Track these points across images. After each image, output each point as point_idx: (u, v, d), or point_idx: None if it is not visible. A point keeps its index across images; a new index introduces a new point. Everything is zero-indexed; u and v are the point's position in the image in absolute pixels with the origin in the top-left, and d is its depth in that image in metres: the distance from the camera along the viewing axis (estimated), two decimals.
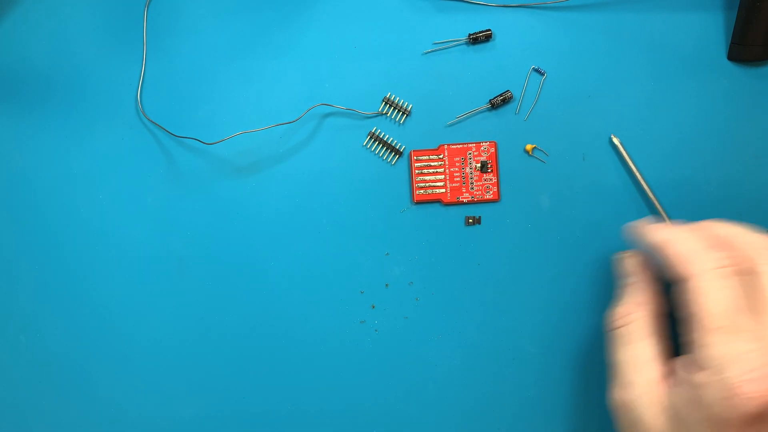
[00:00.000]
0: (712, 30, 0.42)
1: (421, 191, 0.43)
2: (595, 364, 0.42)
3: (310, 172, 0.43)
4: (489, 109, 0.43)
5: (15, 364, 0.44)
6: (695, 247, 0.32)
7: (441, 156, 0.43)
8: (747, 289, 0.31)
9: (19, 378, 0.44)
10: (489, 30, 0.43)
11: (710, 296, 0.30)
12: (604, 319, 0.36)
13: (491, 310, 0.43)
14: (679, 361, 0.32)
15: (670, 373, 0.33)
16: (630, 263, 0.38)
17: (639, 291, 0.36)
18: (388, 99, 0.43)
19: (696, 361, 0.30)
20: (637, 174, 0.42)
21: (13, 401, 0.44)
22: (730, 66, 0.42)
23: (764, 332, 0.30)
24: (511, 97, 0.43)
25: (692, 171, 0.42)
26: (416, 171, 0.43)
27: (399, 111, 0.43)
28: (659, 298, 0.36)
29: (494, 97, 0.43)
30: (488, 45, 0.43)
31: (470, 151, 0.43)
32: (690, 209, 0.42)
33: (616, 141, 0.42)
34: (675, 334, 0.36)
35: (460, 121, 0.43)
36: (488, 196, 0.43)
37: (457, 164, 0.43)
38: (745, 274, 0.31)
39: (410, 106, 0.43)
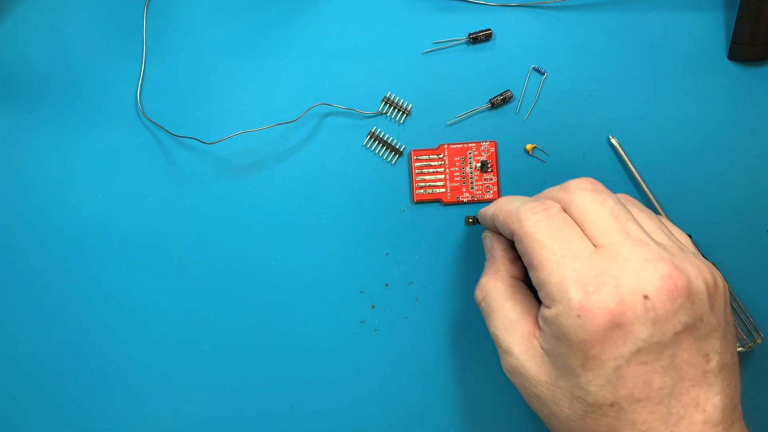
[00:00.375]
0: (712, 29, 0.42)
1: (421, 191, 0.43)
2: None
3: (310, 171, 0.43)
4: (489, 109, 0.43)
5: (14, 364, 0.44)
6: (517, 205, 0.34)
7: (441, 156, 0.43)
8: (567, 221, 0.33)
9: (18, 378, 0.44)
10: (489, 29, 0.43)
11: (535, 235, 0.32)
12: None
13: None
14: (540, 310, 0.33)
15: (537, 324, 0.34)
16: (486, 241, 0.39)
17: (493, 262, 0.38)
18: (388, 98, 0.43)
19: (545, 301, 0.32)
20: (636, 174, 0.42)
21: (13, 401, 0.44)
22: (731, 66, 0.42)
23: (587, 249, 0.31)
24: (511, 97, 0.43)
25: (692, 171, 0.42)
26: (416, 171, 0.43)
27: (399, 110, 0.43)
28: (514, 264, 0.38)
29: (494, 97, 0.43)
30: (488, 44, 0.43)
31: (470, 151, 0.43)
32: (690, 209, 0.42)
33: (614, 142, 0.42)
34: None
35: (460, 121, 0.43)
36: (488, 196, 0.43)
37: (457, 164, 0.43)
38: (563, 212, 0.33)
39: (410, 105, 0.43)
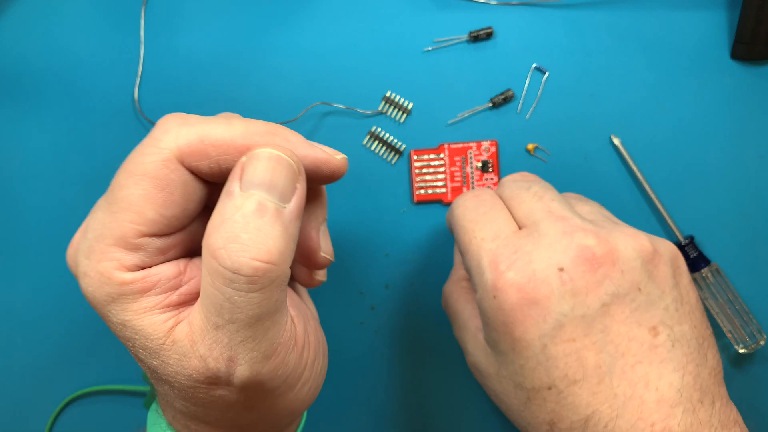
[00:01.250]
0: (715, 28, 0.42)
1: (422, 191, 0.43)
2: None
3: None
4: (490, 108, 0.43)
5: (13, 364, 0.44)
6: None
7: (441, 155, 0.43)
8: (494, 205, 0.32)
9: (17, 378, 0.44)
10: (490, 28, 0.42)
11: (461, 220, 0.32)
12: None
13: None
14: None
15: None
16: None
17: (453, 268, 0.38)
18: (388, 97, 0.43)
19: (473, 287, 0.31)
20: (639, 174, 0.42)
21: (13, 402, 0.44)
22: (734, 65, 0.42)
23: (508, 230, 0.31)
24: (512, 96, 0.42)
25: (695, 171, 0.42)
26: (416, 170, 0.43)
27: (399, 110, 0.43)
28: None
29: (495, 96, 0.42)
30: (489, 43, 0.43)
31: (471, 151, 0.43)
32: (692, 209, 0.42)
33: (616, 141, 0.42)
34: None
35: (460, 120, 0.43)
36: None
37: (457, 164, 0.43)
38: (495, 197, 0.33)
39: (410, 104, 0.43)
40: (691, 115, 0.42)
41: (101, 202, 0.25)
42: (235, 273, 0.22)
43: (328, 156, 0.26)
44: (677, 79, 0.42)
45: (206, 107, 0.43)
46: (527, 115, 0.42)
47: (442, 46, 0.43)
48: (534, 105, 0.42)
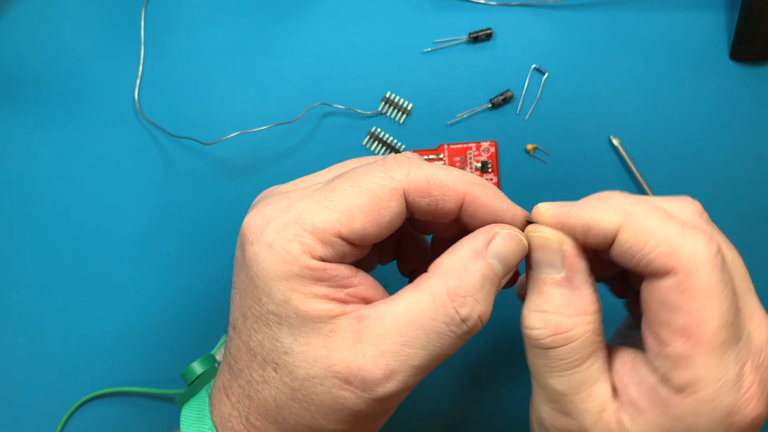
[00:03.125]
0: (714, 29, 0.42)
1: None
2: None
3: (309, 172, 0.43)
4: (489, 109, 0.43)
5: (13, 364, 0.44)
6: (672, 227, 0.25)
7: (441, 156, 0.43)
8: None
9: (17, 379, 0.44)
10: (489, 29, 0.42)
11: (713, 299, 0.24)
12: (522, 326, 0.28)
13: (492, 311, 0.42)
14: (627, 376, 0.26)
15: (615, 389, 0.27)
16: (555, 254, 0.27)
17: (577, 293, 0.27)
18: (388, 98, 0.43)
19: (671, 382, 0.25)
20: (638, 174, 0.42)
21: (12, 402, 0.44)
22: (733, 65, 0.42)
23: (750, 341, 0.25)
24: (511, 97, 0.42)
25: (694, 171, 0.42)
26: None
27: (399, 110, 0.43)
28: (598, 301, 0.28)
29: (495, 97, 0.42)
30: (489, 44, 0.43)
31: (470, 151, 0.43)
32: None
33: (615, 142, 0.42)
34: None
35: (460, 121, 0.43)
36: None
37: (457, 164, 0.43)
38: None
39: (410, 105, 0.43)
40: (690, 115, 0.42)
41: (314, 195, 0.27)
42: (463, 322, 0.26)
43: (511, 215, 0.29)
44: (676, 80, 0.42)
45: (206, 107, 0.43)
46: (527, 116, 0.43)
47: (442, 47, 0.43)
48: (533, 105, 0.42)
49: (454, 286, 0.26)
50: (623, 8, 0.42)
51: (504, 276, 0.28)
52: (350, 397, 0.26)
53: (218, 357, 0.38)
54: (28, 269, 0.44)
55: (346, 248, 0.27)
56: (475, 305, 0.26)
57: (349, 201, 0.26)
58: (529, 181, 0.42)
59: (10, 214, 0.44)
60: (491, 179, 0.42)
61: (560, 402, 0.27)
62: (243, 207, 0.43)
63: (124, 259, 0.43)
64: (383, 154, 0.43)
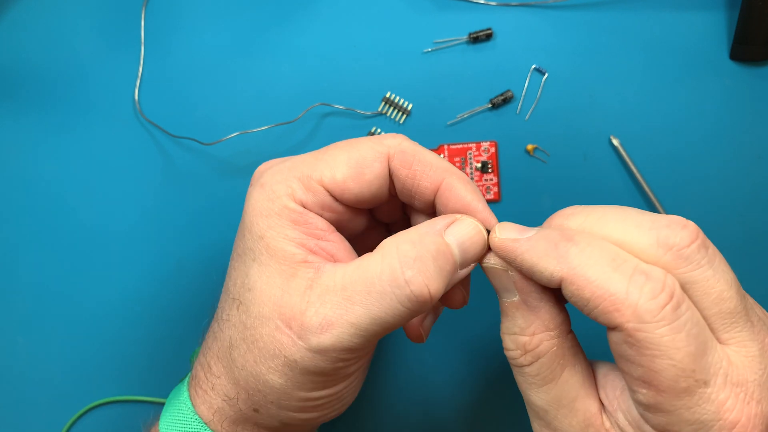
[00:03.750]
0: (714, 29, 0.42)
1: None
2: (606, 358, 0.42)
3: None
4: (489, 109, 0.43)
5: (13, 364, 0.44)
6: (617, 280, 0.23)
7: (441, 156, 0.43)
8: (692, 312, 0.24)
9: (17, 379, 0.44)
10: (490, 29, 0.42)
11: (663, 352, 0.23)
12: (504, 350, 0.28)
13: (492, 311, 0.42)
14: (616, 402, 0.26)
15: (603, 404, 0.27)
16: (505, 278, 0.27)
17: (538, 311, 0.27)
18: (388, 98, 0.43)
19: (650, 422, 0.24)
20: (638, 175, 0.42)
21: (13, 401, 0.44)
22: (733, 66, 0.42)
23: (731, 375, 0.24)
24: (511, 97, 0.42)
25: (694, 171, 0.42)
26: None
27: (399, 110, 0.43)
28: (563, 312, 0.27)
29: (495, 97, 0.42)
30: (489, 44, 0.43)
31: (470, 151, 0.43)
32: (691, 209, 0.42)
33: (615, 142, 0.42)
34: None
35: (460, 121, 0.43)
36: (489, 197, 0.43)
37: (457, 164, 0.43)
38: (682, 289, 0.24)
39: (410, 105, 0.43)
40: (690, 115, 0.42)
41: (312, 153, 0.30)
42: (407, 284, 0.26)
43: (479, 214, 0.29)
44: (676, 80, 0.42)
45: (206, 107, 0.43)
46: (527, 116, 0.43)
47: (442, 47, 0.43)
48: (533, 106, 0.42)
49: (405, 249, 0.27)
50: (623, 8, 0.42)
51: (462, 264, 0.28)
52: (287, 341, 0.27)
53: None
54: (28, 269, 0.44)
55: (327, 198, 0.29)
56: (424, 271, 0.26)
57: (337, 156, 0.29)
58: (529, 181, 0.42)
59: (10, 214, 0.44)
60: (491, 179, 0.42)
61: (545, 418, 0.27)
62: (242, 207, 0.43)
63: (124, 258, 0.43)
64: None
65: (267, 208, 0.28)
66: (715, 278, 0.24)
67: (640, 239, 0.24)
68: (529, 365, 0.27)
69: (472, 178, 0.43)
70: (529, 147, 0.42)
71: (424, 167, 0.29)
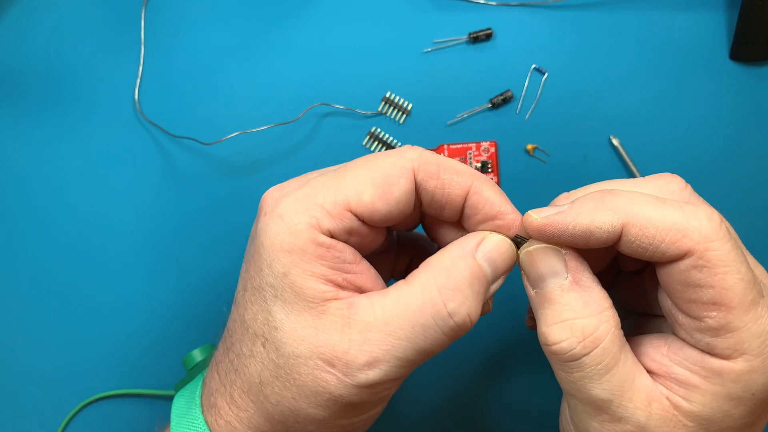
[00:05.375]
0: (714, 29, 0.42)
1: None
2: None
3: (309, 172, 0.43)
4: (489, 109, 0.43)
5: (13, 364, 0.44)
6: (673, 212, 0.25)
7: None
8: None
9: (17, 379, 0.44)
10: (489, 29, 0.42)
11: (731, 267, 0.24)
12: (546, 345, 0.26)
13: (492, 311, 0.42)
14: (666, 359, 0.26)
15: (659, 374, 0.26)
16: (555, 261, 0.27)
17: (589, 296, 0.26)
18: (388, 98, 0.43)
19: (723, 350, 0.25)
20: (638, 174, 0.42)
21: (13, 402, 0.44)
22: (733, 65, 0.42)
23: (764, 279, 0.26)
24: (511, 97, 0.42)
25: (694, 171, 0.42)
26: None
27: (399, 110, 0.43)
28: (609, 297, 0.27)
29: (495, 97, 0.42)
30: (489, 44, 0.43)
31: (470, 151, 0.43)
32: None
33: (615, 142, 0.42)
34: None
35: (460, 121, 0.43)
36: None
37: None
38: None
39: (410, 105, 0.43)
40: (690, 115, 0.42)
41: (329, 173, 0.28)
42: (450, 316, 0.26)
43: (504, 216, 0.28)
44: (676, 80, 0.42)
45: (206, 107, 0.43)
46: (526, 116, 0.43)
47: (442, 47, 0.43)
48: (533, 106, 0.42)
49: (443, 280, 0.26)
50: (623, 8, 0.42)
51: (493, 280, 0.28)
52: (332, 380, 0.26)
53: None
54: (28, 269, 0.44)
55: (355, 223, 0.27)
56: (464, 301, 0.26)
57: (360, 176, 0.27)
58: (529, 181, 0.42)
59: (9, 214, 0.44)
60: (491, 179, 0.42)
61: (609, 410, 0.26)
62: (243, 207, 0.43)
63: (124, 258, 0.43)
64: None
65: (290, 242, 0.26)
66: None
67: (662, 187, 0.28)
68: (589, 353, 0.25)
69: None
70: (529, 147, 0.42)
71: (452, 175, 0.28)
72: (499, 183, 0.43)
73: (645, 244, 0.25)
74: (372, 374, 0.26)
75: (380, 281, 0.29)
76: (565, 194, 0.28)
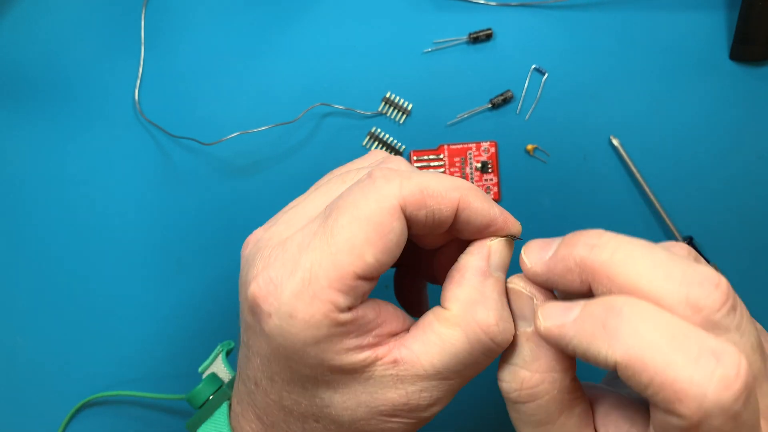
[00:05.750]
0: (714, 29, 0.42)
1: None
2: None
3: (309, 172, 0.43)
4: (489, 109, 0.43)
5: (12, 364, 0.44)
6: (682, 361, 0.20)
7: (441, 156, 0.43)
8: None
9: (17, 379, 0.44)
10: (489, 29, 0.42)
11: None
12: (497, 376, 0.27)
13: None
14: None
15: None
16: (532, 302, 0.26)
17: (548, 350, 0.25)
18: (388, 98, 0.43)
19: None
20: (638, 175, 0.42)
21: (12, 402, 0.44)
22: (733, 65, 0.42)
23: None
24: (511, 97, 0.42)
25: (694, 172, 0.42)
26: None
27: (399, 110, 0.43)
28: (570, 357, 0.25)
29: (495, 97, 0.42)
30: (489, 44, 0.43)
31: (470, 151, 0.43)
32: (692, 210, 0.42)
33: (615, 142, 0.42)
34: None
35: (460, 121, 0.43)
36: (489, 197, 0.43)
37: (457, 164, 0.43)
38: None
39: (410, 105, 0.43)
40: (690, 115, 0.42)
41: (315, 243, 0.25)
42: (498, 345, 0.26)
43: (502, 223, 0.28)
44: (676, 80, 0.42)
45: (206, 107, 0.43)
46: (527, 116, 0.43)
47: (442, 47, 0.43)
48: (533, 106, 0.42)
49: (483, 318, 0.26)
50: (623, 8, 0.42)
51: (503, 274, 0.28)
52: (398, 425, 0.27)
53: (220, 374, 0.37)
54: (28, 269, 0.44)
55: (365, 285, 0.26)
56: (506, 326, 0.26)
57: (353, 238, 0.25)
58: (529, 181, 0.42)
59: (9, 214, 0.44)
60: (491, 179, 0.42)
61: None
62: (243, 207, 0.43)
63: (124, 258, 0.43)
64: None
65: (313, 336, 0.25)
66: (741, 343, 0.22)
67: (670, 294, 0.22)
68: (524, 404, 0.25)
69: (472, 179, 0.43)
70: (529, 147, 0.42)
71: (438, 199, 0.26)
72: (499, 183, 0.43)
73: (638, 389, 0.21)
74: (434, 410, 0.27)
75: (400, 314, 0.28)
76: (604, 236, 0.24)
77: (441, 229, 0.27)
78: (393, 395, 0.26)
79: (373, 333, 0.26)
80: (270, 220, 0.29)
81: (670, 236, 0.42)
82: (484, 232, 0.28)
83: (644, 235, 0.42)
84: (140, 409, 0.44)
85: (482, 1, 0.43)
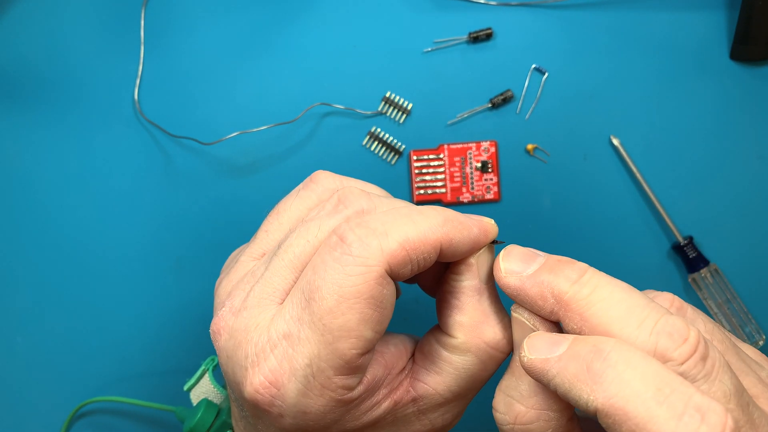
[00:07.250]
0: (714, 29, 0.42)
1: (421, 191, 0.43)
2: None
3: (309, 172, 0.43)
4: (489, 109, 0.43)
5: (12, 364, 0.44)
6: (664, 417, 0.20)
7: (441, 156, 0.43)
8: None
9: (17, 379, 0.44)
10: (490, 29, 0.42)
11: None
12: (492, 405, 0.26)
13: None
14: None
15: None
16: (521, 334, 0.25)
17: (545, 389, 0.24)
18: (388, 98, 0.43)
19: None
20: (638, 174, 0.42)
21: (13, 401, 0.44)
22: (733, 66, 0.42)
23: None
24: (511, 97, 0.42)
25: (694, 171, 0.42)
26: (416, 171, 0.43)
27: (399, 110, 0.43)
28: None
29: (495, 97, 0.42)
30: (489, 44, 0.43)
31: (470, 151, 0.43)
32: (691, 209, 0.42)
33: (615, 142, 0.42)
34: None
35: (460, 121, 0.43)
36: (489, 196, 0.43)
37: (457, 164, 0.43)
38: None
39: (410, 105, 0.43)
40: (690, 115, 0.42)
41: (307, 334, 0.24)
42: (505, 354, 0.27)
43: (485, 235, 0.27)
44: (676, 80, 0.42)
45: (206, 107, 0.43)
46: (527, 116, 0.43)
47: (442, 47, 0.43)
48: (533, 105, 0.42)
49: (491, 337, 0.27)
50: (623, 8, 0.42)
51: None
52: None
53: (211, 396, 0.36)
54: (27, 269, 0.44)
55: (371, 354, 0.25)
56: (507, 332, 0.27)
57: (348, 321, 0.23)
58: (529, 181, 0.42)
59: (9, 215, 0.44)
60: (491, 179, 0.42)
61: None
62: (242, 207, 0.43)
63: (123, 258, 0.43)
64: (383, 154, 0.43)
65: (332, 419, 0.25)
66: (711, 392, 0.21)
67: (639, 342, 0.22)
68: None
69: (472, 178, 0.43)
70: (529, 147, 0.42)
71: (420, 248, 0.25)
72: (499, 183, 0.43)
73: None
74: (455, 423, 0.29)
75: (400, 342, 0.28)
76: (587, 273, 0.24)
77: (428, 274, 0.29)
78: (417, 427, 0.28)
79: (385, 383, 0.26)
80: (225, 283, 0.28)
81: (670, 236, 0.42)
82: (467, 254, 0.27)
83: (644, 235, 0.42)
84: (141, 409, 0.44)
85: (482, 1, 0.43)
